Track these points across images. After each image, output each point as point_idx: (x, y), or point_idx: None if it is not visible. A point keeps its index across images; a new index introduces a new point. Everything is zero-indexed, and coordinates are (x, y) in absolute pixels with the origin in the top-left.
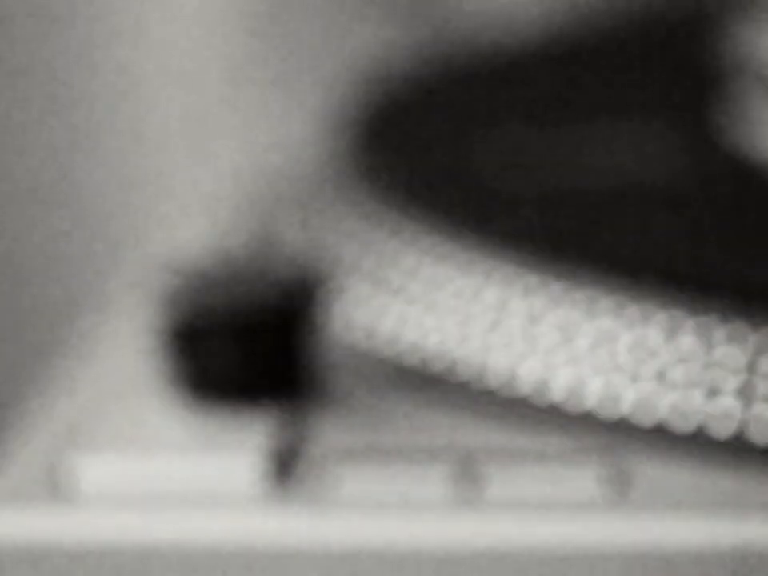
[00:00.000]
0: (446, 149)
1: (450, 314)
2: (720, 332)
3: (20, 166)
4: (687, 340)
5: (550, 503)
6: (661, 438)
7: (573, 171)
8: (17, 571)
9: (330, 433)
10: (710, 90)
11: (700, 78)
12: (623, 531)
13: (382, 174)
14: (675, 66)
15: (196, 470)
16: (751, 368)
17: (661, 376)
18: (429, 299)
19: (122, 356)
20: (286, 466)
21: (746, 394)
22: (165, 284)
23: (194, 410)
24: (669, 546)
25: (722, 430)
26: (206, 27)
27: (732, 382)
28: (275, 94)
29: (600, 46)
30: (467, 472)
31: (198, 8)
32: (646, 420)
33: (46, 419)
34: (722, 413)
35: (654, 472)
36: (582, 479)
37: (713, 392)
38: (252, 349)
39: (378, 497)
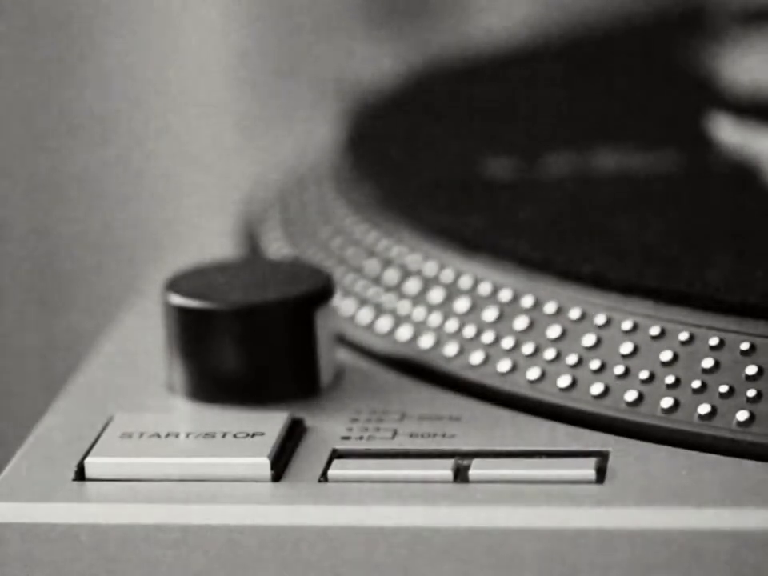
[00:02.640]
0: (440, 153)
1: (452, 314)
2: (709, 340)
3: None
4: (670, 343)
5: (535, 488)
6: (638, 425)
7: (564, 174)
8: (36, 558)
9: (332, 425)
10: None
11: (698, 87)
12: (604, 514)
13: (378, 178)
14: (672, 76)
15: (206, 465)
16: (726, 370)
17: (647, 379)
18: (428, 300)
19: (133, 356)
20: (290, 457)
21: (723, 393)
22: (180, 283)
23: (203, 404)
24: (647, 528)
25: (698, 419)
26: (210, 59)
27: (711, 382)
28: (275, 109)
29: (594, 50)
30: (460, 459)
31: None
32: (626, 409)
33: (62, 420)
34: (698, 407)
35: (633, 456)
36: (566, 464)
37: (689, 389)
38: (258, 344)
39: (377, 486)
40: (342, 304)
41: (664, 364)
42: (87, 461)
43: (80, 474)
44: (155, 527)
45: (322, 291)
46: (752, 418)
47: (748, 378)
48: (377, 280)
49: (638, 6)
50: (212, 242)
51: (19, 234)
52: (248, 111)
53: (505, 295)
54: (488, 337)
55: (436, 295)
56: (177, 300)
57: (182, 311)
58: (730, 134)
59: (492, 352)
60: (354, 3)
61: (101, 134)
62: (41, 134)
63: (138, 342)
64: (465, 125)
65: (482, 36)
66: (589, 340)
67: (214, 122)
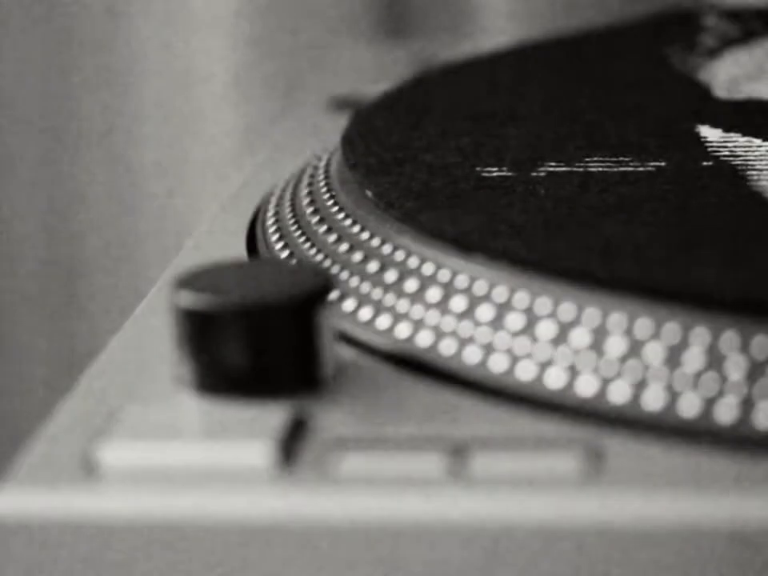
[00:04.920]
0: (437, 155)
1: (450, 313)
2: (691, 333)
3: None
4: (662, 340)
5: (531, 481)
6: (632, 421)
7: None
8: (46, 546)
9: (333, 419)
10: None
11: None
12: (600, 507)
13: (376, 179)
14: (665, 78)
15: (212, 453)
16: (718, 366)
17: (634, 374)
18: (426, 299)
19: (145, 349)
20: (292, 449)
21: (715, 388)
22: (188, 278)
23: (210, 398)
24: (642, 521)
25: (691, 414)
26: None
27: (703, 378)
28: (279, 113)
29: (589, 53)
30: (458, 453)
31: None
32: (619, 405)
33: (72, 412)
34: (690, 402)
35: (627, 451)
36: (561, 458)
37: (681, 385)
38: (262, 342)
39: (377, 478)
40: (342, 303)
41: (658, 360)
42: (95, 452)
43: (88, 466)
44: (163, 516)
45: (323, 291)
46: (747, 414)
47: (742, 373)
48: (376, 280)
49: (633, 8)
50: (220, 243)
51: (36, 234)
52: (254, 116)
53: (500, 294)
54: (484, 334)
55: (433, 294)
56: (183, 301)
57: (189, 312)
58: (719, 136)
59: (489, 349)
60: (358, 15)
61: (106, 137)
62: (56, 136)
63: (149, 339)
64: (460, 127)
65: (481, 41)
66: (584, 337)
67: (221, 127)
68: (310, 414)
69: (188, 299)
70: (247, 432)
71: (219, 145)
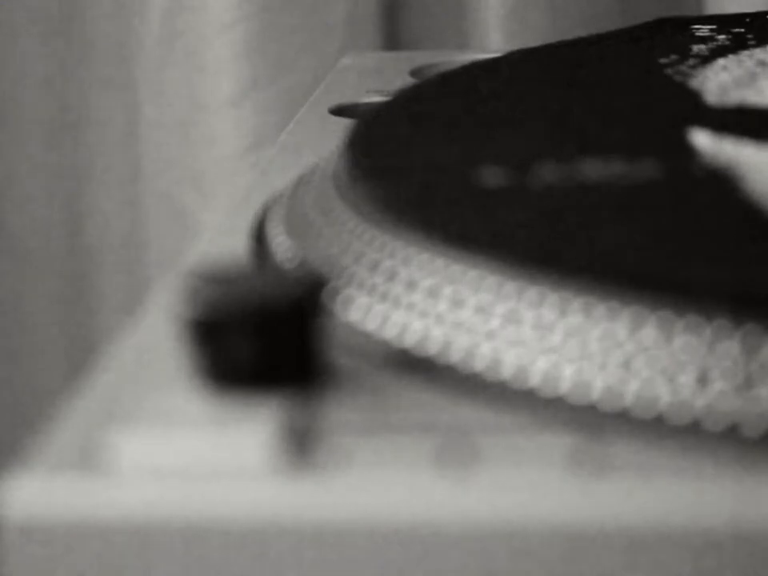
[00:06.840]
0: (438, 157)
1: (452, 316)
2: (678, 324)
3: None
4: (649, 332)
5: (527, 478)
6: (628, 421)
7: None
8: (50, 538)
9: (336, 411)
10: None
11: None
12: (599, 508)
13: (378, 181)
14: (658, 85)
15: (217, 446)
16: (708, 357)
17: (626, 365)
18: (425, 300)
19: (154, 345)
20: (297, 440)
21: (703, 379)
22: (192, 285)
23: (216, 393)
24: (641, 520)
25: (683, 415)
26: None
27: (690, 370)
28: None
29: (584, 58)
30: (456, 447)
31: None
32: (614, 404)
33: (76, 407)
34: (682, 397)
35: (628, 450)
36: (558, 456)
37: (673, 378)
38: (266, 339)
39: (379, 467)
40: (343, 301)
41: (661, 360)
42: (106, 442)
43: (98, 454)
44: (165, 507)
45: (319, 294)
46: (746, 413)
47: (744, 372)
48: (376, 278)
49: (627, 15)
50: (226, 242)
51: (49, 232)
52: (259, 124)
53: (504, 295)
54: (486, 336)
55: (434, 293)
56: (188, 309)
57: (194, 321)
58: (710, 143)
59: (490, 352)
60: (359, 27)
61: (116, 139)
62: (64, 136)
63: (156, 334)
64: (458, 132)
65: (477, 51)
66: (587, 339)
67: (227, 132)
68: (309, 416)
69: (193, 308)
70: (253, 424)
71: (225, 149)
